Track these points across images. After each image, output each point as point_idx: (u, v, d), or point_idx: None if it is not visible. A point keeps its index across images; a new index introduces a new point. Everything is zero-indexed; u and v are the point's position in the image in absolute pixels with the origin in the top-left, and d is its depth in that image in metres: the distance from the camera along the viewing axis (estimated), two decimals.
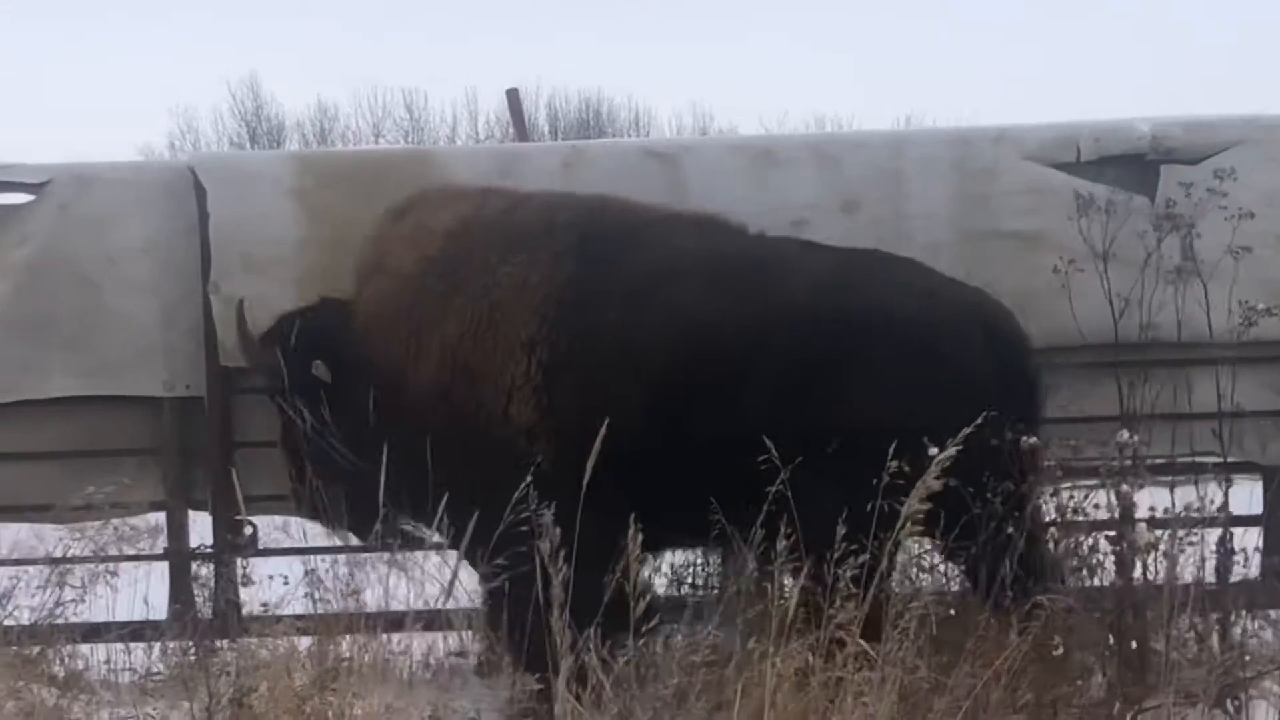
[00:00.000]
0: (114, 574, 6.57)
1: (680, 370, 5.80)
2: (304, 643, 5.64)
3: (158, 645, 6.33)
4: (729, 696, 4.78)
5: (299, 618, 6.02)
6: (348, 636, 5.58)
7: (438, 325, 6.08)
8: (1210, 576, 5.71)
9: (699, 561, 6.86)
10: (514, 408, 5.92)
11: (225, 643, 6.17)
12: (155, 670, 6.29)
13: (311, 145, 38.82)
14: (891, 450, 5.11)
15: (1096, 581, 5.55)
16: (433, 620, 6.15)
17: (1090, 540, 5.57)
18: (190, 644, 5.91)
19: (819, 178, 7.16)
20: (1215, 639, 5.55)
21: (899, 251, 6.43)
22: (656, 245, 6.15)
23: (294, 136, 40.39)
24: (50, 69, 52.76)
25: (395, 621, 5.81)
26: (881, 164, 7.17)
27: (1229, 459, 6.40)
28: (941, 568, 5.94)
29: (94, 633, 6.51)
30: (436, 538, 6.01)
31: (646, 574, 6.01)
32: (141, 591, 6.70)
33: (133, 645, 6.33)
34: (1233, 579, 5.82)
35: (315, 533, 7.29)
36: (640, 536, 5.01)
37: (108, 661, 6.48)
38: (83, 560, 6.45)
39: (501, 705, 5.74)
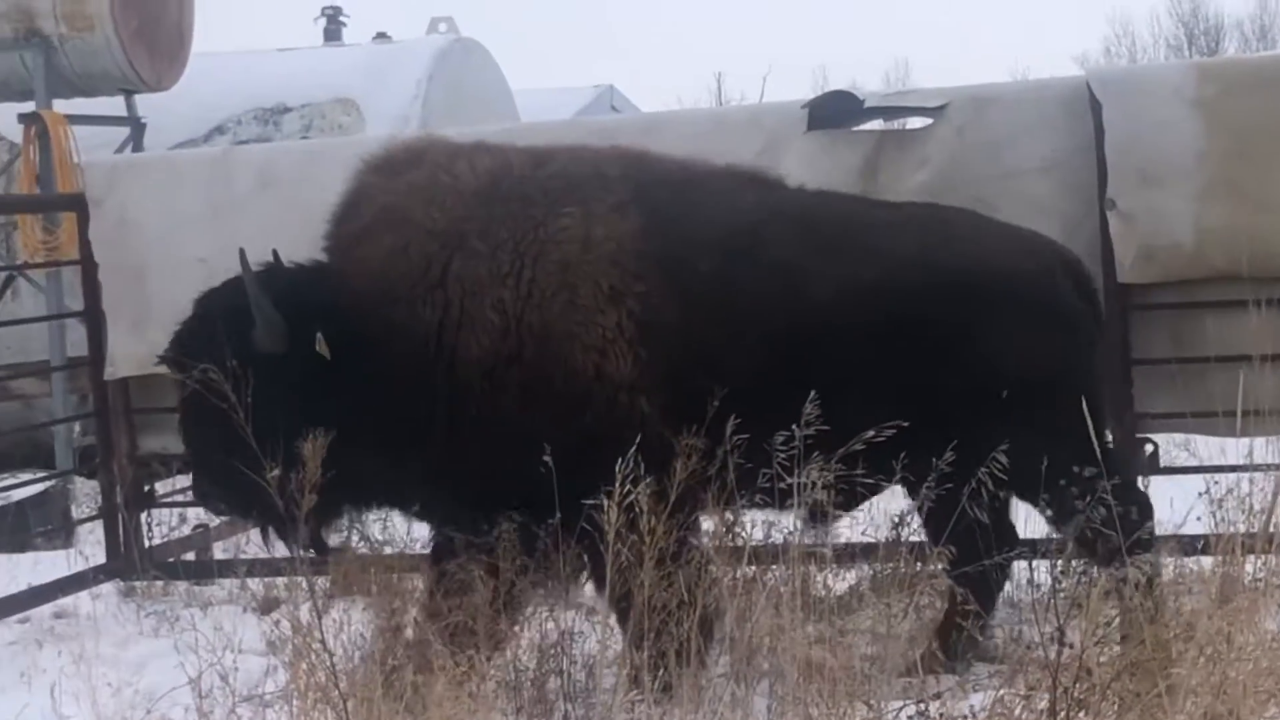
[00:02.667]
0: None
1: (789, 328, 5.68)
2: (1205, 562, 5.59)
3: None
4: None
5: (1195, 537, 5.97)
6: (1251, 557, 5.34)
7: (489, 289, 5.72)
8: None
9: None
10: (608, 364, 5.65)
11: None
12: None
13: (1251, 46, 37.30)
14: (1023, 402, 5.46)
15: None
16: None
17: None
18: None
19: None
20: None
21: None
22: (722, 199, 5.95)
23: (1233, 36, 38.97)
24: None
25: None
26: None
27: None
28: None
29: None
30: None
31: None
32: None
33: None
34: None
35: (1215, 450, 7.15)
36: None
37: None
38: None
39: None
